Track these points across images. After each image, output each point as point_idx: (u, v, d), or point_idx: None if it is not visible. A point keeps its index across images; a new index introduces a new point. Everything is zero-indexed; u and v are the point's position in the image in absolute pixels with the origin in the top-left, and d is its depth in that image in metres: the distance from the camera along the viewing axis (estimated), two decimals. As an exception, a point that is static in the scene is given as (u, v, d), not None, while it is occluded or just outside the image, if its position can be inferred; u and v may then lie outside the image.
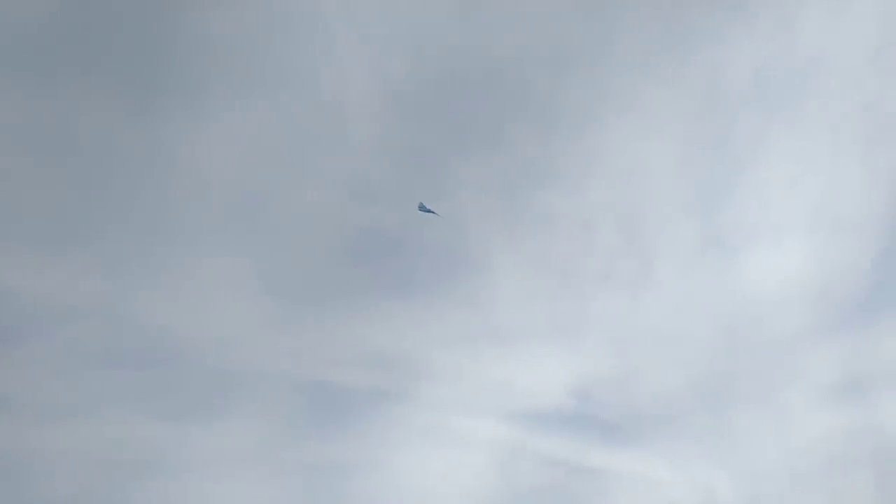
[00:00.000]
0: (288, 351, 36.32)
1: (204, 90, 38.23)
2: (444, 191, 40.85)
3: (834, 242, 43.08)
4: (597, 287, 41.52)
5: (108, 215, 35.96)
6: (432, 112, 41.46)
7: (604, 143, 43.50)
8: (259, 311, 36.69)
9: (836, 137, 43.81)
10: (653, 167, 44.07)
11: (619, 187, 43.39)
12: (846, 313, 41.87)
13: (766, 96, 43.89)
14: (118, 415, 33.02)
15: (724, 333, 41.98)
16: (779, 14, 43.37)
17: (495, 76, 42.36)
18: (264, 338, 36.24)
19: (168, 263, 36.22)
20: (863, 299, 41.98)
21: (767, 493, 37.42)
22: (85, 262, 34.87)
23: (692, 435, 39.01)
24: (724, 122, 44.65)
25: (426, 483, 35.37)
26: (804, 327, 41.95)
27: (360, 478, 34.61)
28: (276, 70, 39.39)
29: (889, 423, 39.25)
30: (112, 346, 34.14)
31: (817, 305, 42.29)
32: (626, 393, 39.74)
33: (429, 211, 34.76)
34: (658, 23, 43.19)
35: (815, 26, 43.56)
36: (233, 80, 38.84)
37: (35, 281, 33.87)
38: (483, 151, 41.93)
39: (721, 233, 43.72)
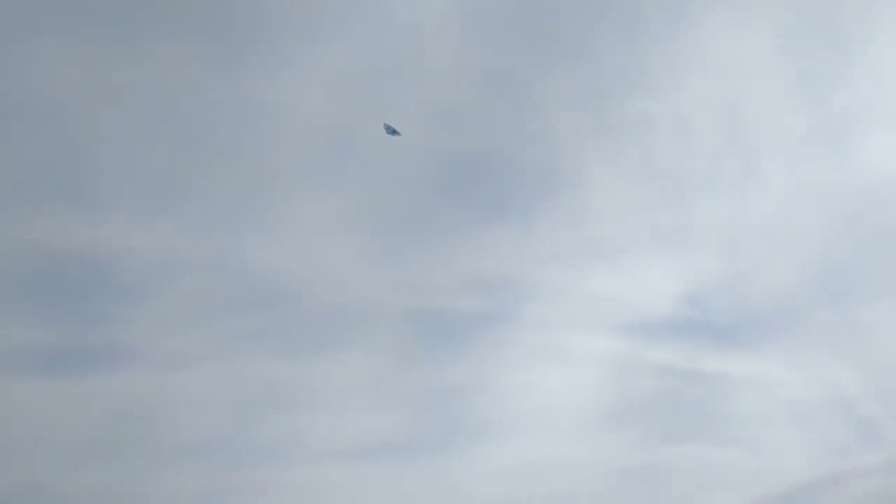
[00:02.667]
0: (393, 283, 37.08)
1: (281, 33, 38.55)
2: (530, 107, 39.97)
3: (961, 115, 39.67)
4: (700, 190, 40.01)
5: (208, 169, 37.29)
6: (511, 28, 40.30)
7: (696, 39, 41.23)
8: (361, 247, 37.49)
9: (959, -2, 39.81)
10: (751, 58, 41.51)
11: (716, 84, 41.20)
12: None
13: (874, -37, 40.26)
14: (241, 357, 34.85)
15: (841, 223, 39.77)
16: None
17: (573, -19, 40.57)
18: (369, 272, 37.09)
19: (270, 209, 37.36)
20: None
21: (899, 386, 35.83)
22: (193, 217, 36.45)
23: (812, 332, 37.54)
24: (826, 1, 41.38)
25: (539, 401, 35.79)
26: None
27: (474, 400, 35.36)
28: (349, 3, 39.15)
29: None
30: (228, 294, 35.82)
31: (946, 185, 39.34)
32: (739, 295, 38.51)
33: (393, 132, 34.22)
34: None
35: None
36: (308, 19, 38.92)
37: (150, 239, 35.75)
38: (568, 63, 40.58)
39: (832, 119, 41.02)
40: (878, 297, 38.10)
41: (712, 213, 39.71)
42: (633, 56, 40.91)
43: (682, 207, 39.68)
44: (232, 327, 35.21)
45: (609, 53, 40.83)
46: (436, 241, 37.79)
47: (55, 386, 32.86)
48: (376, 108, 38.91)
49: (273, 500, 32.36)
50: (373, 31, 39.36)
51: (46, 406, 32.51)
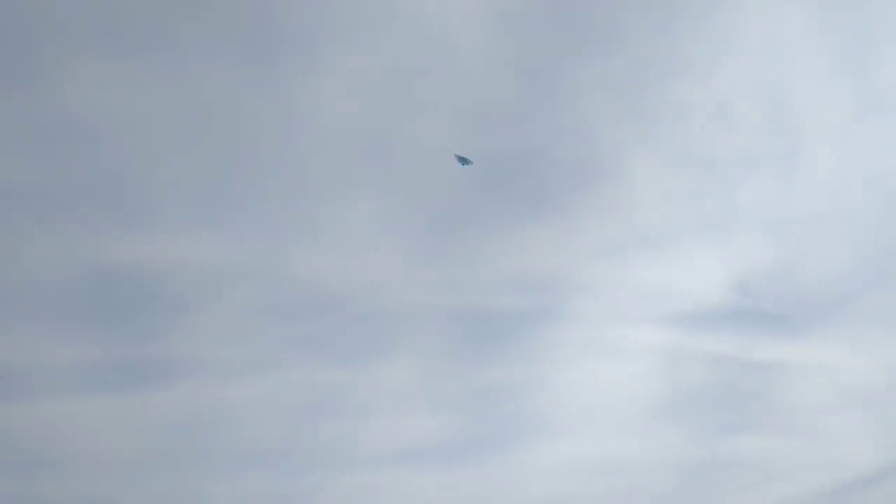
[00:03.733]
0: (438, 284, 37.15)
1: (313, 38, 38.72)
2: (565, 100, 39.62)
3: None
4: (744, 173, 39.29)
5: (249, 179, 37.70)
6: (541, 21, 39.94)
7: (733, 18, 40.40)
8: (404, 249, 37.62)
9: None
10: (791, 34, 40.57)
11: (755, 63, 40.36)
12: None
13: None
14: (294, 364, 35.26)
15: (891, 202, 38.74)
16: None
17: (604, -30, 40.04)
18: (413, 274, 37.22)
19: (312, 216, 37.68)
20: None
21: (963, 366, 34.85)
22: (238, 228, 36.92)
23: (869, 315, 36.70)
24: (868, -30, 40.21)
25: (591, 397, 35.60)
26: None
27: (525, 399, 35.32)
28: (379, 5, 39.17)
29: None
30: (277, 303, 36.25)
31: None
32: (790, 281, 37.79)
33: (465, 161, 34.07)
34: None
35: None
36: (339, 23, 39.03)
37: (198, 250, 36.30)
38: (602, 51, 40.11)
39: (879, 94, 39.93)
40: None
41: (758, 198, 39.02)
42: (668, 40, 40.28)
43: (726, 193, 39.06)
44: (282, 336, 35.66)
45: (643, 39, 40.28)
46: (478, 241, 37.77)
47: (112, 403, 33.62)
48: (409, 110, 38.95)
49: (331, 505, 32.76)
50: (404, 32, 39.36)
51: (105, 423, 33.28)
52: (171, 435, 33.34)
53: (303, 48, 38.61)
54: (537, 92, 39.55)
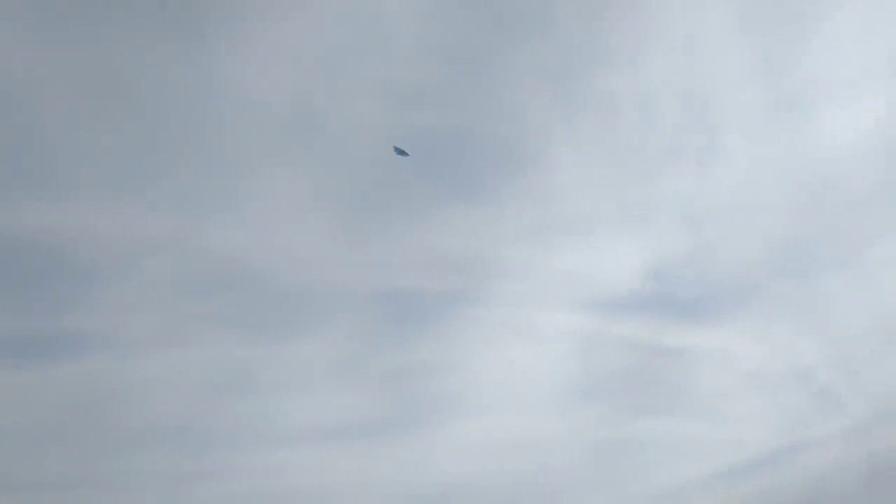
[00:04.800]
0: (359, 263, 36.94)
1: (243, 11, 37.83)
2: (494, 85, 39.85)
3: (917, 89, 40.40)
4: (663, 165, 40.35)
5: (170, 150, 36.64)
6: (474, 5, 40.03)
7: (658, 14, 41.33)
8: (327, 227, 37.24)
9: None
10: (712, 33, 41.76)
11: (678, 59, 41.42)
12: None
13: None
14: (207, 340, 34.52)
15: (801, 197, 40.42)
16: None
17: (536, -43, 40.36)
18: (335, 252, 36.89)
19: (233, 190, 36.90)
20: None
21: (858, 356, 36.69)
22: (154, 198, 35.85)
23: (775, 304, 38.26)
24: (787, -26, 41.69)
25: (508, 378, 36.06)
26: (886, 183, 39.96)
27: (443, 378, 35.52)
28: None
29: None
30: (192, 276, 35.40)
31: (901, 158, 40.11)
32: (703, 269, 39.05)
33: (403, 153, 34.27)
34: None
35: None
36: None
37: (111, 221, 35.10)
38: (531, 39, 40.47)
39: (792, 94, 41.53)
40: (839, 268, 38.92)
41: (676, 189, 40.14)
42: (597, 33, 40.95)
43: (646, 183, 40.03)
44: (197, 310, 34.87)
45: (573, 30, 40.82)
46: (402, 221, 37.70)
47: (17, 374, 32.30)
48: (338, 86, 38.50)
49: (243, 483, 32.27)
50: (336, 9, 38.85)
51: (7, 396, 31.96)
52: (78, 409, 32.27)
53: (229, 18, 37.67)
54: (466, 75, 39.67)
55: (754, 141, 41.16)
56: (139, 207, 35.55)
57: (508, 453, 34.19)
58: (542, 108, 40.12)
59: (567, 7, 40.75)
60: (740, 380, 36.41)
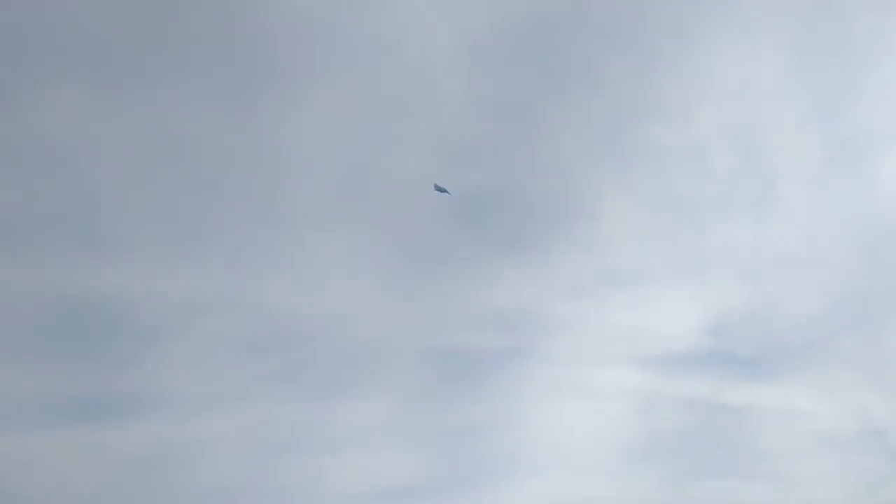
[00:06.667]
0: (410, 320, 36.87)
1: (292, 73, 38.79)
2: (542, 139, 39.90)
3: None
4: (717, 216, 39.64)
5: (222, 210, 37.41)
6: (521, 61, 40.37)
7: (707, 64, 41.09)
8: (377, 284, 37.37)
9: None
10: (764, 81, 41.29)
11: (729, 108, 40.98)
12: None
13: (885, -16, 40.02)
14: (262, 399, 34.67)
15: (863, 247, 39.19)
16: None
17: (582, 13, 40.66)
18: (385, 309, 36.93)
19: (285, 248, 37.38)
20: None
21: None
22: (210, 259, 36.52)
23: (840, 359, 36.86)
24: (837, 20, 41.14)
25: (562, 437, 35.29)
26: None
27: (496, 438, 34.93)
28: (359, 42, 39.39)
29: None
30: (247, 335, 35.76)
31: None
32: (763, 324, 37.93)
33: (443, 191, 34.28)
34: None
35: None
36: (318, 59, 39.16)
37: (168, 283, 35.81)
38: (579, 93, 40.54)
39: (848, 140, 40.61)
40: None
41: (731, 240, 39.32)
42: (645, 83, 40.83)
43: (700, 235, 39.33)
44: (252, 369, 35.12)
45: (620, 82, 40.79)
46: (452, 277, 37.64)
47: (78, 434, 32.81)
48: (386, 144, 39.00)
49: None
50: (383, 68, 39.56)
51: (68, 457, 32.44)
52: (136, 469, 32.56)
53: (282, 80, 38.66)
54: (514, 130, 39.84)
55: (811, 190, 40.27)
56: (196, 267, 36.25)
57: (565, 516, 33.30)
58: (591, 162, 39.98)
59: (615, 58, 40.82)
60: (808, 439, 34.99)
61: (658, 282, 38.44)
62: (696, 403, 35.94)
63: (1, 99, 35.59)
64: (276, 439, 33.98)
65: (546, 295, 37.77)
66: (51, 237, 35.35)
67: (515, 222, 38.86)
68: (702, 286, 38.41)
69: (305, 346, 35.85)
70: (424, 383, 35.68)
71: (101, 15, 37.06)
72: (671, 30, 41.03)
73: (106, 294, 35.07)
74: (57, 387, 33.24)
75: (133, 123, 37.16)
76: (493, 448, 34.60)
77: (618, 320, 37.67)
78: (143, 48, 37.53)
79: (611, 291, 38.14)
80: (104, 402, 33.38)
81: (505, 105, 40.06)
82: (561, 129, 40.11)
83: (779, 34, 41.52)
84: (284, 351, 35.67)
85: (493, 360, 36.29)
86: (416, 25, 39.44)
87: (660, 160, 40.18)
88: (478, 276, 37.81)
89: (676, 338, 37.52)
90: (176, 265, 36.14)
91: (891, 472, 34.20)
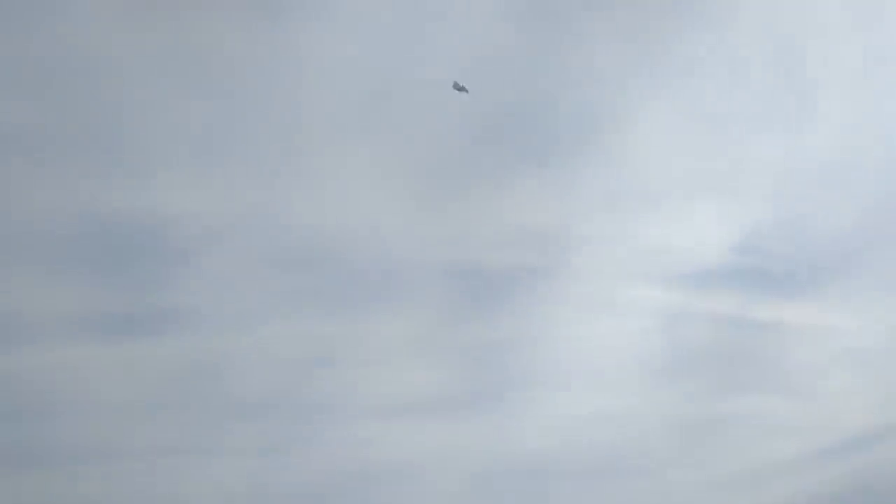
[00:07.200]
0: (436, 238, 36.76)
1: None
2: (573, 47, 38.59)
3: None
4: (753, 130, 38.54)
5: (249, 127, 36.97)
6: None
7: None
8: (403, 200, 37.12)
9: None
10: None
11: (768, 18, 39.23)
12: None
13: None
14: (292, 315, 35.11)
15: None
16: None
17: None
18: (412, 226, 36.80)
19: (312, 164, 37.07)
20: None
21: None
22: (236, 176, 36.35)
23: (873, 276, 36.40)
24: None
25: (590, 354, 35.56)
26: None
27: (523, 354, 35.27)
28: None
29: None
30: (276, 252, 35.92)
31: None
32: (796, 240, 37.36)
33: (462, 89, 33.23)
34: None
35: None
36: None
37: (196, 201, 35.81)
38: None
39: (888, 48, 38.92)
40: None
41: (766, 155, 38.36)
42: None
43: (734, 150, 38.37)
44: (279, 287, 35.42)
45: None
46: (480, 192, 37.23)
47: (110, 351, 33.58)
48: (414, 54, 37.95)
49: (329, 455, 33.01)
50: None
51: (103, 371, 33.30)
52: (169, 384, 33.40)
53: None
54: (546, 38, 38.51)
55: (850, 101, 38.91)
56: (223, 184, 36.14)
57: (589, 429, 33.91)
58: (625, 72, 38.73)
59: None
60: (836, 356, 34.99)
61: (689, 197, 37.83)
62: (725, 320, 35.93)
63: (28, 12, 34.94)
64: (306, 354, 34.59)
65: (573, 211, 37.35)
66: (79, 155, 35.29)
67: (543, 135, 38.09)
68: (733, 202, 37.78)
69: (334, 264, 36.02)
70: (451, 300, 35.89)
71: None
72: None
73: (135, 212, 35.21)
74: (89, 303, 33.84)
75: (159, 38, 36.40)
76: (520, 363, 35.01)
77: (646, 237, 37.32)
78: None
79: (640, 207, 37.63)
80: (136, 318, 34.00)
81: (534, 11, 38.65)
82: (592, 38, 38.76)
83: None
84: (313, 268, 35.88)
85: (519, 277, 36.29)
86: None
87: (695, 71, 38.88)
88: (504, 192, 37.39)
89: (706, 254, 37.19)
90: (204, 182, 36.06)
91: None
